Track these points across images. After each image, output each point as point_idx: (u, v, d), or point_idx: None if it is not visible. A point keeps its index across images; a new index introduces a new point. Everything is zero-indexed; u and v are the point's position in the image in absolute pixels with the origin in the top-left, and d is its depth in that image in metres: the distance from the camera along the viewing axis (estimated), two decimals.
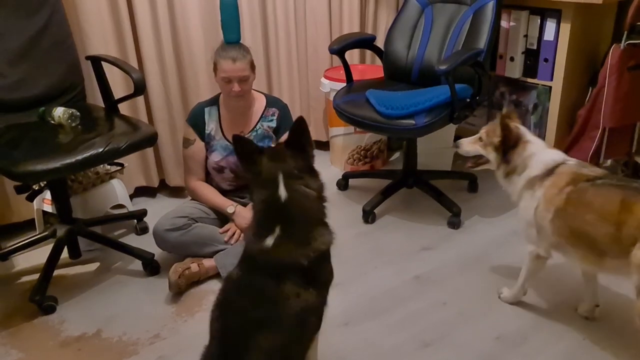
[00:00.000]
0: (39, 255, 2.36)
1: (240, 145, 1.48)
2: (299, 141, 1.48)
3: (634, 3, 2.60)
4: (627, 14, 2.63)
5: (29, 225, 2.60)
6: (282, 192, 1.43)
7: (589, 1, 2.60)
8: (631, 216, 1.60)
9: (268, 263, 1.44)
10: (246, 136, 2.42)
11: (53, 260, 2.24)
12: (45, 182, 2.40)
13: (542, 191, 1.84)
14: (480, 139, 2.05)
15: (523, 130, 1.96)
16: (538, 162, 1.88)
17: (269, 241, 1.43)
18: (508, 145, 1.93)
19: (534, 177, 1.87)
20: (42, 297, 2.14)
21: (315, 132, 3.53)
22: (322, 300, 1.52)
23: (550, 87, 2.88)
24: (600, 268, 1.79)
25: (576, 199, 1.74)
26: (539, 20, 2.82)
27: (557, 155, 1.90)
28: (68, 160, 1.95)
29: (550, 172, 1.84)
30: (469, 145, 2.11)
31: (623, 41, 2.67)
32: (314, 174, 1.51)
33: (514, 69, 2.97)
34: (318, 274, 1.49)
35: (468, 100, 2.55)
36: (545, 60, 2.85)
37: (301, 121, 1.49)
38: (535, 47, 2.87)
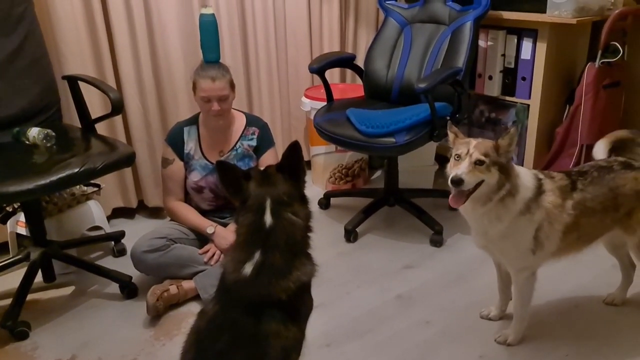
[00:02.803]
0: (12, 279, 2.30)
1: (224, 171, 1.42)
2: (291, 166, 1.43)
3: (607, 23, 2.66)
4: (601, 33, 2.69)
5: (3, 248, 2.53)
6: (268, 218, 1.38)
7: (564, 21, 2.65)
8: (624, 197, 1.84)
9: (245, 297, 1.37)
10: (226, 155, 2.41)
11: (26, 284, 2.17)
12: (18, 204, 2.34)
13: (542, 213, 1.75)
14: (478, 162, 1.66)
15: None
16: (526, 183, 1.75)
17: (248, 268, 1.36)
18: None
19: (529, 200, 1.74)
20: (14, 323, 2.07)
21: None
22: (302, 336, 1.45)
23: (528, 105, 2.91)
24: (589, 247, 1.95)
25: (581, 211, 1.79)
26: (516, 40, 2.86)
27: (531, 172, 1.82)
28: (42, 181, 1.90)
29: (539, 191, 1.76)
30: (471, 176, 1.66)
31: (598, 60, 2.73)
32: (303, 201, 1.45)
33: (493, 88, 3.01)
34: (298, 308, 1.43)
35: (448, 118, 2.57)
36: (523, 78, 2.89)
37: (296, 146, 1.42)
38: (512, 65, 2.91)
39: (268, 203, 1.38)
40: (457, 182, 1.66)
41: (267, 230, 1.38)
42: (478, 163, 1.67)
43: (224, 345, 1.34)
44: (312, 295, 1.50)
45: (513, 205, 1.74)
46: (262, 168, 2.41)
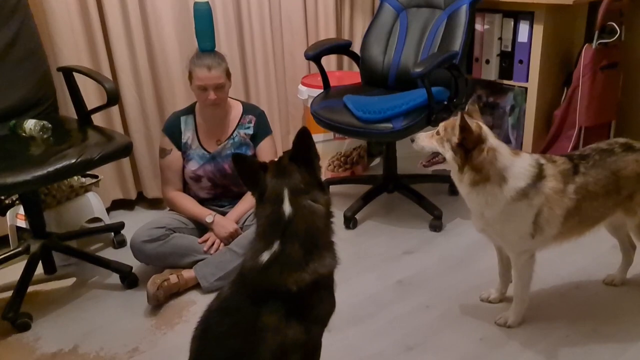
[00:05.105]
0: (13, 272, 2.30)
1: (242, 163, 1.40)
2: (304, 154, 1.38)
3: (603, 4, 2.65)
4: (598, 14, 2.67)
5: (2, 241, 2.53)
6: (287, 207, 1.34)
7: (560, 2, 2.64)
8: (625, 179, 1.84)
9: (255, 284, 1.35)
10: (223, 144, 2.40)
11: (27, 276, 2.18)
12: (17, 196, 2.34)
13: (542, 198, 1.75)
14: (437, 132, 1.84)
15: (485, 131, 1.76)
16: (519, 174, 1.75)
17: (264, 257, 1.34)
18: (467, 147, 1.73)
19: (525, 187, 1.74)
20: (15, 314, 2.07)
21: None
22: (309, 338, 1.37)
23: (526, 89, 2.90)
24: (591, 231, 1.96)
25: (583, 195, 1.79)
26: (513, 23, 2.85)
27: (528, 158, 1.80)
28: (39, 172, 1.90)
29: (538, 177, 1.76)
30: (425, 140, 1.88)
31: (594, 41, 2.72)
32: (321, 187, 1.40)
33: (490, 72, 3.00)
34: (309, 305, 1.37)
35: (445, 102, 2.56)
36: (520, 61, 2.88)
37: (305, 132, 1.38)
38: (509, 49, 2.90)
39: (286, 193, 1.35)
40: (411, 139, 1.93)
41: (286, 220, 1.34)
42: (437, 133, 1.85)
43: (224, 328, 1.35)
44: (334, 295, 1.45)
45: (500, 194, 1.74)
46: (261, 157, 2.42)
